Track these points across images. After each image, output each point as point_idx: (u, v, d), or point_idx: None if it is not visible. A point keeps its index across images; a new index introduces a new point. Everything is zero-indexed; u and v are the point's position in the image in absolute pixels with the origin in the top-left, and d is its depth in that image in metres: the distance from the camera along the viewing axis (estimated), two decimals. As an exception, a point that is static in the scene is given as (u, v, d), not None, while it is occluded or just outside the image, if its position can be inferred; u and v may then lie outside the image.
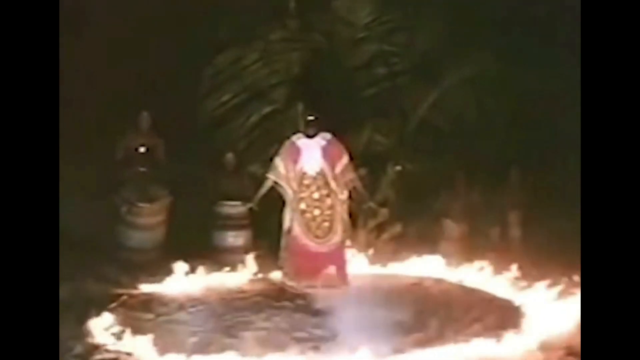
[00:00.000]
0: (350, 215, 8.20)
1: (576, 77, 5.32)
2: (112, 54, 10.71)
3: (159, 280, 8.42)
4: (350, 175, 8.05)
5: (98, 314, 7.18)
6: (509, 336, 6.81)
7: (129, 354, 6.46)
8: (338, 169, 7.99)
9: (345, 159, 8.04)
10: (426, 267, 9.05)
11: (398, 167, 10.30)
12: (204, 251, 9.35)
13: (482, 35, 10.30)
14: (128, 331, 6.83)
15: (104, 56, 10.68)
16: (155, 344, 6.57)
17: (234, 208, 9.61)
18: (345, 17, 10.95)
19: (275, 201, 8.12)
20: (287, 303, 7.68)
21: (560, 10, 9.77)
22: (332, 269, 7.89)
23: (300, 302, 7.69)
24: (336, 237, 7.90)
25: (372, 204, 8.61)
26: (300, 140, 8.06)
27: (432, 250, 9.36)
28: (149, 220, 9.59)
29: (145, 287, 8.31)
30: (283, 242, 8.02)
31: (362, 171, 8.56)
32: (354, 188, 8.17)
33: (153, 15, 10.67)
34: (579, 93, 5.09)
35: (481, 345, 6.56)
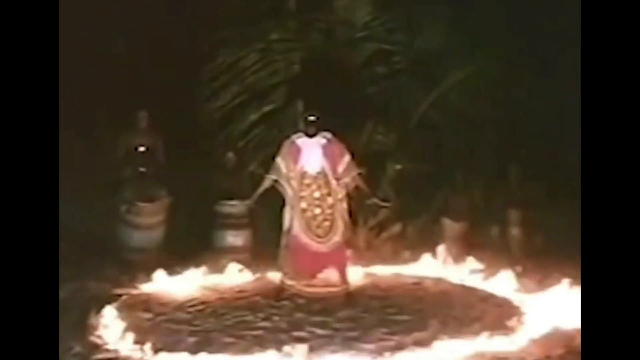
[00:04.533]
0: (350, 214, 8.19)
1: (576, 77, 5.32)
2: (112, 53, 10.71)
3: (159, 280, 8.43)
4: (355, 171, 8.04)
5: (98, 313, 7.19)
6: (509, 335, 6.81)
7: (128, 354, 6.46)
8: (341, 167, 7.98)
9: (347, 157, 8.03)
10: (426, 266, 9.05)
11: (398, 166, 10.30)
12: (204, 250, 9.36)
13: (482, 34, 10.28)
14: (128, 331, 6.83)
15: (105, 55, 10.68)
16: (155, 343, 6.57)
17: (234, 207, 9.61)
18: (345, 17, 10.94)
19: (276, 200, 8.11)
20: (286, 302, 7.69)
21: (561, 10, 9.75)
22: (332, 269, 7.88)
23: (300, 301, 7.70)
24: (337, 237, 7.89)
25: (375, 200, 8.59)
26: (301, 140, 8.05)
27: (432, 249, 9.37)
28: (148, 220, 9.59)
29: (145, 287, 8.32)
30: (283, 241, 8.01)
31: (362, 170, 8.55)
32: (357, 186, 8.15)
33: (153, 15, 10.66)
34: (579, 91, 5.09)
35: (481, 344, 6.56)
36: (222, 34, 10.68)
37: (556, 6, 9.99)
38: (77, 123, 9.89)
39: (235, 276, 8.75)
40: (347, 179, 7.98)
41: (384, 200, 9.13)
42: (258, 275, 8.73)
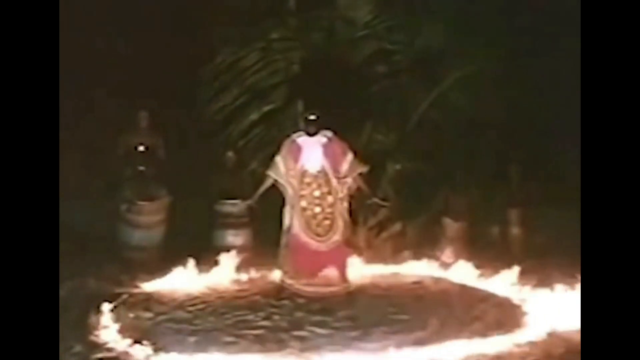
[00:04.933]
0: (351, 213, 8.19)
1: (576, 76, 5.32)
2: (113, 53, 10.71)
3: (159, 279, 8.43)
4: (359, 169, 8.04)
5: (98, 312, 7.19)
6: (509, 335, 6.81)
7: (128, 353, 6.46)
8: (345, 165, 7.98)
9: (349, 155, 8.04)
10: (426, 265, 9.05)
11: (398, 166, 10.29)
12: (204, 250, 9.36)
13: (483, 34, 10.27)
14: (128, 330, 6.83)
15: (105, 55, 10.68)
16: (155, 342, 6.57)
17: (234, 206, 9.61)
18: (345, 15, 10.92)
19: (276, 199, 8.11)
20: (286, 302, 7.68)
21: (561, 10, 9.75)
22: (332, 268, 7.88)
23: (300, 300, 7.69)
24: (336, 236, 7.89)
25: (376, 199, 8.58)
26: (301, 138, 8.05)
27: (432, 249, 9.36)
28: (148, 219, 9.60)
29: (145, 286, 8.31)
30: (283, 240, 8.01)
31: (366, 167, 8.55)
32: (358, 187, 8.15)
33: (153, 15, 10.66)
34: (579, 90, 5.09)
35: (481, 344, 6.56)
36: (222, 34, 10.67)
37: (556, 6, 9.99)
38: (78, 122, 9.89)
39: (236, 275, 8.74)
40: (350, 178, 7.98)
41: (383, 200, 9.13)
42: (258, 274, 8.72)
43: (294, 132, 8.24)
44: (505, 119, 10.35)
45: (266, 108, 10.64)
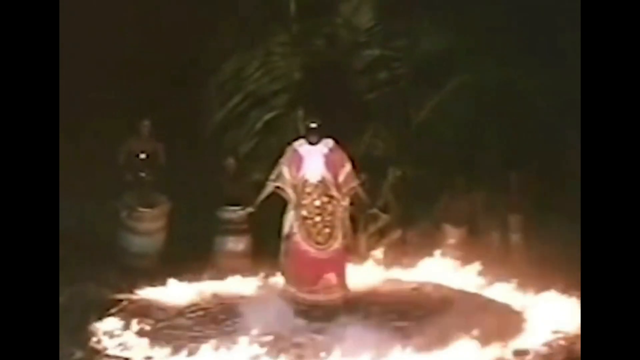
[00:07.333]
0: (351, 220, 8.18)
1: (576, 81, 5.33)
2: (114, 59, 10.71)
3: (159, 286, 8.43)
4: (353, 182, 8.03)
5: (98, 319, 7.19)
6: (509, 341, 6.81)
7: (128, 359, 6.47)
8: (341, 177, 7.96)
9: (348, 167, 8.01)
10: (426, 272, 9.04)
11: (398, 172, 10.30)
12: (204, 256, 9.35)
13: (483, 40, 10.29)
14: (128, 336, 6.83)
15: (106, 61, 10.68)
16: (155, 349, 6.57)
17: (235, 213, 9.61)
18: (346, 22, 10.95)
19: (276, 207, 8.10)
20: (287, 309, 7.67)
21: (561, 14, 9.77)
22: (332, 275, 7.87)
23: (300, 307, 7.69)
24: (336, 244, 7.88)
25: (375, 211, 8.56)
26: (303, 147, 8.02)
27: (433, 255, 9.36)
28: (149, 226, 9.60)
29: (145, 292, 8.31)
30: (283, 247, 8.00)
31: (363, 176, 8.54)
32: (357, 195, 8.14)
33: (155, 22, 10.68)
34: (579, 97, 5.09)
35: (481, 351, 6.56)
36: (224, 41, 10.69)
37: (556, 10, 10.00)
38: (79, 127, 9.90)
39: (236, 282, 8.74)
40: (345, 189, 7.97)
41: (382, 209, 9.12)
42: (259, 281, 8.72)
43: (295, 140, 8.22)
44: (505, 124, 10.35)
45: (268, 115, 10.66)
